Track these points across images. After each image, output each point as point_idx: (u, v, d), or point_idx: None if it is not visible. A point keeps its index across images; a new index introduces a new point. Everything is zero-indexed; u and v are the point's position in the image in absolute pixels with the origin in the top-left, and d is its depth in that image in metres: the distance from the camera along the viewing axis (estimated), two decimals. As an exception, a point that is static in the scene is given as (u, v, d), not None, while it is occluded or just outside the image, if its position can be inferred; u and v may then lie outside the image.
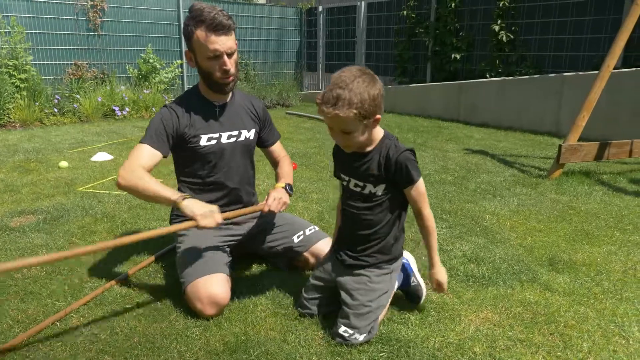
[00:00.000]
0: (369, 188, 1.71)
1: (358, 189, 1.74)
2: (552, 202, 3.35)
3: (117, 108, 7.05)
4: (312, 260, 2.16)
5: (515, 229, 2.83)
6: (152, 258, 2.30)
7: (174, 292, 1.98)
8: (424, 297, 1.91)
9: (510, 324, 1.78)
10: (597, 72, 4.05)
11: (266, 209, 1.96)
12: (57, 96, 6.99)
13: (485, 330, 1.73)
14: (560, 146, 3.94)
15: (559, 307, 1.90)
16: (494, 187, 3.74)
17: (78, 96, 6.99)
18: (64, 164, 4.25)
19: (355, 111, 1.52)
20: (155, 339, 1.67)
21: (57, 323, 1.76)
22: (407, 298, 1.94)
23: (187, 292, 1.83)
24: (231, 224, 2.14)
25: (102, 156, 4.59)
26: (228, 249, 2.07)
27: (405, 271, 1.91)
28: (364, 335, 1.64)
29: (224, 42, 1.94)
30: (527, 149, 5.27)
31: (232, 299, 1.91)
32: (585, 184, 3.79)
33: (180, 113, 2.02)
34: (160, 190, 1.80)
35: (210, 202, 1.93)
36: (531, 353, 1.61)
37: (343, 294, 1.75)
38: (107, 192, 3.47)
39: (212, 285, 1.80)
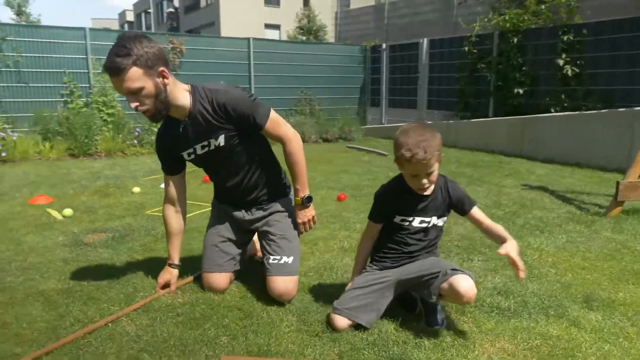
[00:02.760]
0: (433, 221, 2.07)
1: (424, 225, 2.06)
2: (605, 241, 3.24)
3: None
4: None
5: (557, 265, 2.78)
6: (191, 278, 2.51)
7: (211, 304, 2.19)
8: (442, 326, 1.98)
9: (525, 355, 1.79)
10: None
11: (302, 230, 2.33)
12: (137, 129, 7.72)
13: (498, 358, 1.76)
14: (618, 183, 3.79)
15: (581, 343, 1.88)
16: (544, 223, 3.66)
17: (155, 129, 7.67)
18: (136, 189, 4.71)
19: (437, 152, 1.89)
20: (188, 343, 1.87)
21: (110, 324, 2.01)
22: (426, 323, 2.01)
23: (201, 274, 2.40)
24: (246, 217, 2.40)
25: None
26: (236, 238, 2.41)
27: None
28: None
29: (118, 85, 1.93)
30: (592, 186, 5.07)
31: (261, 313, 2.09)
32: (646, 223, 3.60)
33: (162, 135, 2.26)
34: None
35: (226, 197, 2.40)
36: (540, 383, 1.62)
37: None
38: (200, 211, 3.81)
39: (212, 282, 2.33)
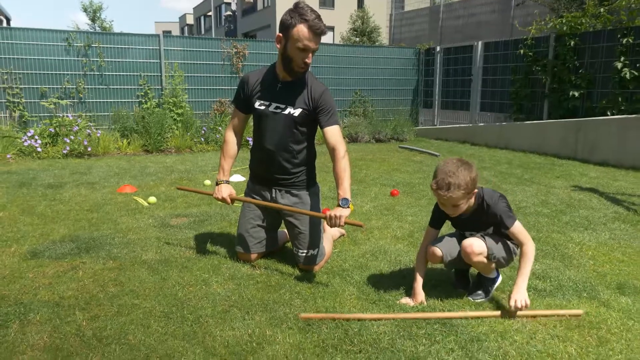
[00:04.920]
0: (482, 232, 2.32)
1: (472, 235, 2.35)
2: (648, 239, 3.39)
3: (250, 138, 8.16)
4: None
5: (596, 258, 2.99)
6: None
7: (283, 274, 2.60)
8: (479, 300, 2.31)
9: (554, 325, 2.07)
10: None
11: (327, 227, 2.41)
12: (203, 128, 8.35)
13: (530, 325, 2.05)
14: (666, 185, 3.89)
15: (607, 319, 2.13)
16: (589, 221, 3.83)
17: (220, 128, 8.28)
18: (207, 182, 5.24)
19: (462, 191, 2.10)
20: (268, 303, 2.29)
21: (204, 286, 2.47)
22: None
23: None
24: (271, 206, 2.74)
25: (236, 177, 5.53)
26: (264, 224, 2.82)
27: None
28: None
29: (317, 43, 2.46)
30: (644, 189, 5.11)
31: (326, 284, 2.48)
32: (693, 224, 3.70)
33: (252, 80, 2.68)
34: (219, 166, 2.84)
35: (262, 167, 2.76)
36: (564, 346, 1.90)
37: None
38: (241, 204, 4.28)
39: (243, 259, 2.83)
